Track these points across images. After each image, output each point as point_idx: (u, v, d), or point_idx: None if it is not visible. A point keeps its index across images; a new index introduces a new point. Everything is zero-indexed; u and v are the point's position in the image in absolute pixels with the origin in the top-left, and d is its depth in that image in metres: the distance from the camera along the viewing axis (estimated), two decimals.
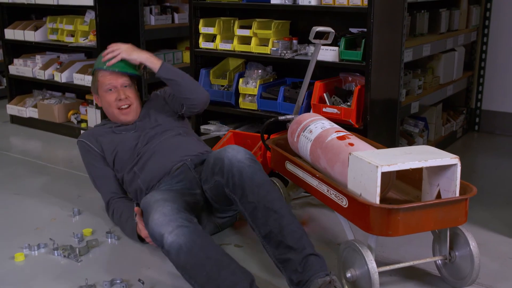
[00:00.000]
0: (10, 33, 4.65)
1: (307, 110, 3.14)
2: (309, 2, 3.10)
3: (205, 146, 2.84)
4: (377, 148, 2.40)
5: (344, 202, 2.14)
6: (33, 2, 4.41)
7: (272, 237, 2.16)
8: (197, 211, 2.47)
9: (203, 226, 2.47)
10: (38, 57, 4.62)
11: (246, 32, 3.41)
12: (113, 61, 2.74)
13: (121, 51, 2.75)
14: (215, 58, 3.61)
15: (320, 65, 3.04)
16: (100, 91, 2.81)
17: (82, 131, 4.28)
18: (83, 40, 4.26)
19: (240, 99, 3.48)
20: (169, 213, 2.21)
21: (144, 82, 4.21)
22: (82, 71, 4.32)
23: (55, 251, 2.51)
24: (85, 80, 4.19)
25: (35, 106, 4.66)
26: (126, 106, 2.78)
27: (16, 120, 4.77)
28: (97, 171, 2.82)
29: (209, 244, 2.18)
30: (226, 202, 2.53)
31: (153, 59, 2.76)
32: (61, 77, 4.34)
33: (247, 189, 2.24)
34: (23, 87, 4.88)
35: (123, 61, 2.77)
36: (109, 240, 2.65)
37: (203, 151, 2.75)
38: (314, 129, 2.51)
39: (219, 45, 3.51)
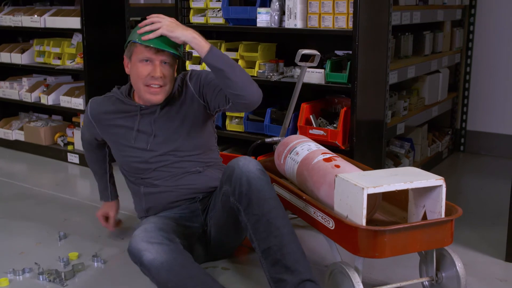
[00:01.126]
0: None
1: (294, 132, 3.15)
2: (295, 25, 3.13)
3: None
4: (363, 169, 2.41)
5: (330, 224, 2.15)
6: (20, 25, 4.41)
7: (271, 254, 2.13)
8: (189, 240, 2.43)
9: (195, 256, 2.44)
10: (24, 79, 4.62)
11: (232, 55, 3.43)
12: (151, 35, 2.31)
13: (162, 25, 2.31)
14: None
15: (306, 87, 3.07)
16: (134, 58, 2.41)
17: (68, 154, 4.27)
18: (70, 62, 4.26)
19: (227, 121, 3.50)
20: (150, 230, 2.19)
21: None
22: (69, 93, 4.32)
23: (40, 276, 2.48)
24: (72, 102, 4.19)
25: (21, 128, 4.64)
26: (157, 86, 2.40)
27: (1, 142, 4.74)
28: (85, 138, 2.77)
29: (190, 263, 2.16)
30: (227, 231, 2.50)
31: (200, 40, 2.31)
32: (48, 100, 4.34)
33: (253, 200, 2.18)
34: (9, 110, 4.87)
35: (162, 36, 2.35)
36: (95, 264, 2.62)
37: (217, 185, 2.54)
38: (301, 151, 2.52)
39: (206, 67, 3.52)
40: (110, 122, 2.57)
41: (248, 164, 2.24)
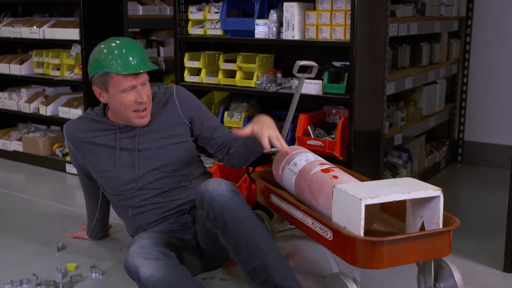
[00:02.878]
0: None
1: (292, 143, 3.16)
2: (293, 36, 3.15)
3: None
4: (361, 180, 2.42)
5: (328, 235, 2.15)
6: (19, 36, 4.43)
7: (257, 274, 2.13)
8: (183, 252, 2.43)
9: (191, 267, 2.44)
10: (23, 90, 4.62)
11: (230, 66, 3.45)
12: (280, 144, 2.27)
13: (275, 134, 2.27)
14: (200, 92, 3.64)
15: (304, 98, 3.08)
16: (113, 89, 2.38)
17: (66, 164, 4.27)
18: (69, 73, 4.28)
19: None
20: (146, 245, 2.18)
21: None
22: (67, 104, 4.33)
23: (38, 287, 2.48)
24: (71, 113, 4.19)
25: (19, 139, 4.64)
26: (143, 109, 2.43)
27: (0, 153, 4.74)
28: (77, 170, 2.76)
29: (187, 278, 2.16)
30: (215, 245, 2.46)
31: None
32: (46, 110, 4.34)
33: (229, 224, 2.15)
34: (8, 120, 4.88)
35: (137, 58, 2.37)
36: (93, 275, 2.62)
37: None
38: (299, 162, 2.53)
39: (204, 78, 3.54)
40: (89, 141, 2.55)
41: (217, 187, 2.21)
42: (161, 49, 4.41)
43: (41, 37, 4.29)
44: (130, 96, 2.39)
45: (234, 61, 3.46)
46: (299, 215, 2.36)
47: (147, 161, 2.51)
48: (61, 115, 4.28)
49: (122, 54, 2.38)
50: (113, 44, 2.43)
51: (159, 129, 2.52)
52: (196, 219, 2.44)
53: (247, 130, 2.27)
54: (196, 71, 3.60)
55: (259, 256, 2.12)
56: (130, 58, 2.37)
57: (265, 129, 2.25)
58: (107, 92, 2.42)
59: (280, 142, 2.26)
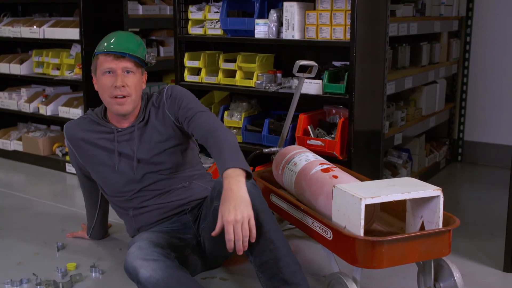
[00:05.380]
0: None
1: (292, 142, 3.16)
2: (293, 36, 3.15)
3: (209, 184, 2.58)
4: (361, 180, 2.42)
5: (328, 235, 2.15)
6: (19, 36, 4.43)
7: (267, 268, 2.13)
8: (184, 252, 2.43)
9: (192, 267, 2.44)
10: (23, 90, 4.62)
11: (230, 66, 3.45)
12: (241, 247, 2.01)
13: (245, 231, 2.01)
14: (200, 91, 3.64)
15: (304, 98, 3.08)
16: (98, 72, 2.42)
17: (66, 164, 4.27)
18: (69, 73, 4.28)
19: None
20: (145, 247, 2.18)
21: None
22: (67, 104, 4.33)
23: (38, 287, 2.48)
24: (70, 113, 4.20)
25: (19, 139, 4.64)
26: (121, 96, 2.39)
27: (0, 153, 4.74)
28: (76, 170, 2.75)
29: (187, 278, 2.16)
30: (220, 242, 2.48)
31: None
32: (46, 110, 4.34)
33: None
34: (8, 120, 4.88)
35: (121, 42, 2.40)
36: (93, 274, 2.62)
37: (205, 195, 2.53)
38: (299, 162, 2.53)
39: (204, 78, 3.54)
40: (88, 142, 2.55)
41: None
42: (161, 48, 4.42)
43: (41, 37, 4.29)
44: (108, 79, 2.40)
45: (234, 60, 3.46)
46: (299, 215, 2.36)
47: (146, 165, 2.50)
48: (61, 114, 4.28)
49: (110, 37, 2.46)
50: (111, 33, 2.52)
51: (155, 133, 2.49)
52: (204, 216, 2.45)
53: (217, 229, 2.04)
54: (196, 71, 3.60)
55: (272, 250, 2.12)
56: (114, 40, 2.43)
57: (230, 213, 1.98)
58: (96, 76, 2.47)
59: (241, 236, 1.99)
